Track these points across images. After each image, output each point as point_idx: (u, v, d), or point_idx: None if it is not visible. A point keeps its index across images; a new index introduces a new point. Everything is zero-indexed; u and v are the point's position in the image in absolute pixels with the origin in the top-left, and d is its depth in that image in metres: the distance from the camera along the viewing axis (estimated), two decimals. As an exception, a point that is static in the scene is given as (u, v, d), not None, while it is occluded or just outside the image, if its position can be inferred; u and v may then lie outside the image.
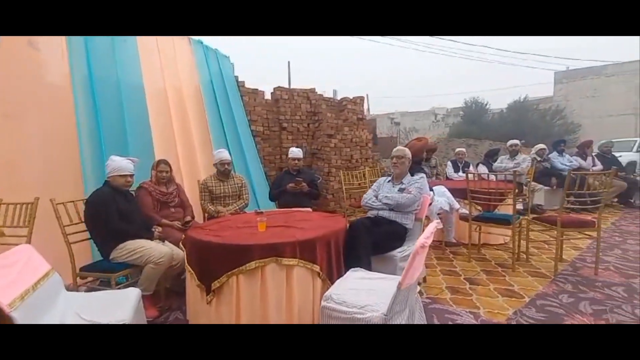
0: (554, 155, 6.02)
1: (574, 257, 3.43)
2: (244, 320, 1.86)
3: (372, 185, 3.01)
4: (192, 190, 3.62)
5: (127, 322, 1.57)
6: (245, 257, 1.83)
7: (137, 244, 2.37)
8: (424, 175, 2.80)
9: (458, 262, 3.40)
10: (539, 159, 5.90)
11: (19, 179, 2.74)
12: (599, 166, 6.02)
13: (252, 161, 4.92)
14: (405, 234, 2.60)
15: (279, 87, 5.75)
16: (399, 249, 2.45)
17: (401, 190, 2.66)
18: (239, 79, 5.24)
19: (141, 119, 3.66)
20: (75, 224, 2.49)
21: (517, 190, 3.30)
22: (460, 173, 5.33)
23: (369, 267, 2.17)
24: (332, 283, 1.92)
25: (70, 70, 3.18)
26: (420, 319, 1.90)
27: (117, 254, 2.37)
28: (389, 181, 2.86)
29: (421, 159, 4.51)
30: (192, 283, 2.07)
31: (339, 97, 6.87)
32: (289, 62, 10.92)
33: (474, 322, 2.22)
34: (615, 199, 6.09)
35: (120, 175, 2.46)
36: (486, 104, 18.60)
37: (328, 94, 7.51)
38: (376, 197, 2.76)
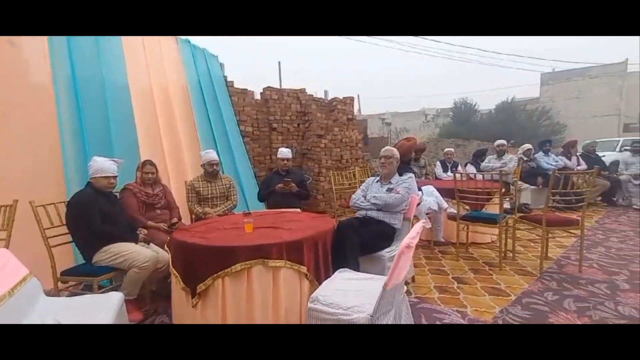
0: (539, 155, 6.11)
1: (559, 255, 3.50)
2: (229, 323, 1.82)
3: (361, 185, 3.01)
4: (179, 191, 3.57)
5: (108, 327, 1.52)
6: (231, 259, 1.80)
7: (121, 247, 2.32)
8: (412, 175, 2.80)
9: (446, 261, 3.43)
10: (525, 158, 5.98)
11: (-3, 180, 2.65)
12: (583, 166, 6.13)
13: (240, 161, 4.87)
14: (394, 234, 2.60)
15: (268, 87, 5.71)
16: (387, 249, 2.45)
17: (389, 190, 2.67)
18: (228, 79, 5.18)
19: (126, 118, 3.57)
20: (57, 226, 2.43)
21: (504, 190, 3.34)
22: (449, 173, 5.38)
23: (357, 268, 2.16)
24: (320, 284, 1.90)
25: (52, 70, 3.10)
26: (407, 318, 1.90)
27: (100, 257, 2.31)
28: (377, 181, 2.86)
29: (410, 159, 4.53)
30: (177, 286, 2.03)
31: (329, 98, 6.85)
32: (279, 63, 10.85)
33: (461, 321, 2.23)
34: (599, 198, 6.23)
35: (103, 177, 2.40)
36: (475, 105, 18.90)
37: (319, 94, 7.48)
38: (364, 197, 2.76)
